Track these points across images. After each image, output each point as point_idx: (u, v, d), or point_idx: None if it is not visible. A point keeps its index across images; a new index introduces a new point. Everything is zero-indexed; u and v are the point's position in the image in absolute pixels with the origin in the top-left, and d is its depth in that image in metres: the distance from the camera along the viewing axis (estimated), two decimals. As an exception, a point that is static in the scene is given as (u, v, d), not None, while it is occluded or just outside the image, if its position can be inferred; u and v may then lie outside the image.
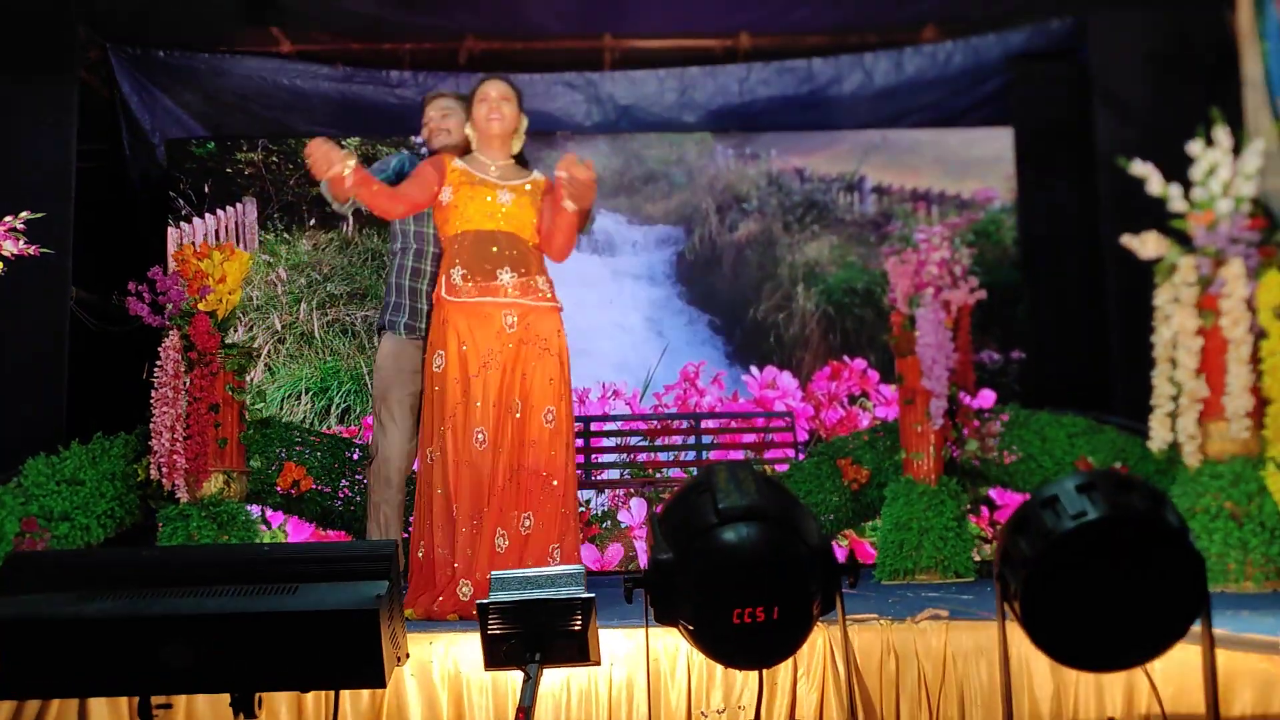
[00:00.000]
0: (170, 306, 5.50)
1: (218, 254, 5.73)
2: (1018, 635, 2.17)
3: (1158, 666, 2.09)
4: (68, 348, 5.97)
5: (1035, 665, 2.84)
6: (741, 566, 1.77)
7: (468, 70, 7.51)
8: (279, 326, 6.94)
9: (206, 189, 6.63)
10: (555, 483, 3.77)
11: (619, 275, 7.39)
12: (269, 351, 7.01)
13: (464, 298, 3.86)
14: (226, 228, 6.93)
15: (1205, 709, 1.88)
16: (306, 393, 7.05)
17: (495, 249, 3.91)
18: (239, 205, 7.11)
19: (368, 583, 1.79)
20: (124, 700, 2.57)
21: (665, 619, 1.83)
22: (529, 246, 3.99)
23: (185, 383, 5.50)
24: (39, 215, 5.06)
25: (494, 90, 4.10)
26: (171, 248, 6.73)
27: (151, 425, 5.38)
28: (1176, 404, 4.63)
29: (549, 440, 3.81)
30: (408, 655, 1.83)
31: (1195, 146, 4.62)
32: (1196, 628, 2.10)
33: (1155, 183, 4.68)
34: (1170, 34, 5.97)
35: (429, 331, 4.05)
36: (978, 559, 5.39)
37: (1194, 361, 4.54)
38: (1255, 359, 4.47)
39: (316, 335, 7.07)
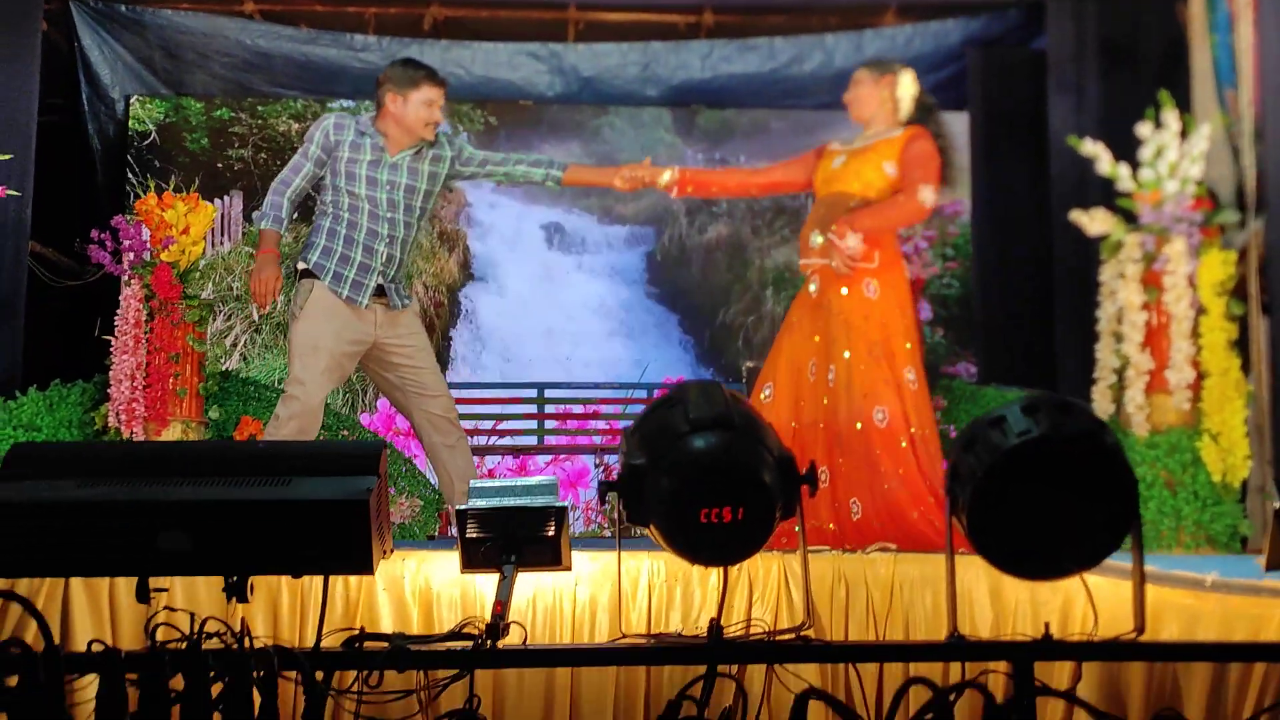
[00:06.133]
0: (132, 256, 5.53)
1: (181, 205, 5.76)
2: (960, 568, 2.30)
3: (1090, 581, 2.23)
4: (25, 294, 5.94)
5: (976, 595, 2.99)
6: (710, 470, 1.89)
7: (432, 37, 7.54)
8: (256, 317, 6.97)
9: (198, 181, 6.64)
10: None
11: (590, 274, 7.45)
12: (245, 341, 7.04)
13: None
14: (214, 220, 6.98)
15: (1134, 613, 2.02)
16: (279, 383, 7.10)
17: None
18: (227, 198, 7.14)
19: (357, 477, 1.89)
20: (104, 589, 2.65)
21: (637, 519, 1.95)
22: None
23: (146, 332, 5.53)
24: (7, 157, 5.08)
25: None
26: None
27: (111, 373, 5.41)
28: (1120, 377, 4.82)
29: None
30: (392, 549, 1.93)
31: (1144, 129, 4.80)
32: (1127, 564, 2.24)
33: (1104, 162, 4.85)
34: (1124, 24, 6.12)
35: None
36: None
37: (1139, 335, 4.73)
38: (1195, 334, 4.67)
39: (291, 326, 7.12)
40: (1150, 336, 4.72)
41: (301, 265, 4.40)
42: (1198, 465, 4.59)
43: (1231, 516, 4.59)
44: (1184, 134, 4.78)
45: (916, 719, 1.10)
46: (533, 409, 6.92)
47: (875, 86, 4.41)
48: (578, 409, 6.88)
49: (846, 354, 4.05)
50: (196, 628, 1.49)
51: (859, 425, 3.94)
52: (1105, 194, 5.06)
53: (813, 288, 4.26)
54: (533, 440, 6.86)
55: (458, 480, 4.18)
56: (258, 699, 1.56)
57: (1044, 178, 6.43)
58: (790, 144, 7.60)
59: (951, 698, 1.09)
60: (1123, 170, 4.81)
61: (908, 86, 4.40)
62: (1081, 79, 6.30)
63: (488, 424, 6.75)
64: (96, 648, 1.27)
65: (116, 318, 5.50)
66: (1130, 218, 4.83)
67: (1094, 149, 4.85)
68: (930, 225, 7.32)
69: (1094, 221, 4.81)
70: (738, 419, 1.94)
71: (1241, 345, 4.72)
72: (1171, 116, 4.76)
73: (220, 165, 7.21)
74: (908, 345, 4.17)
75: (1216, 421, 4.58)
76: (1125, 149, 4.90)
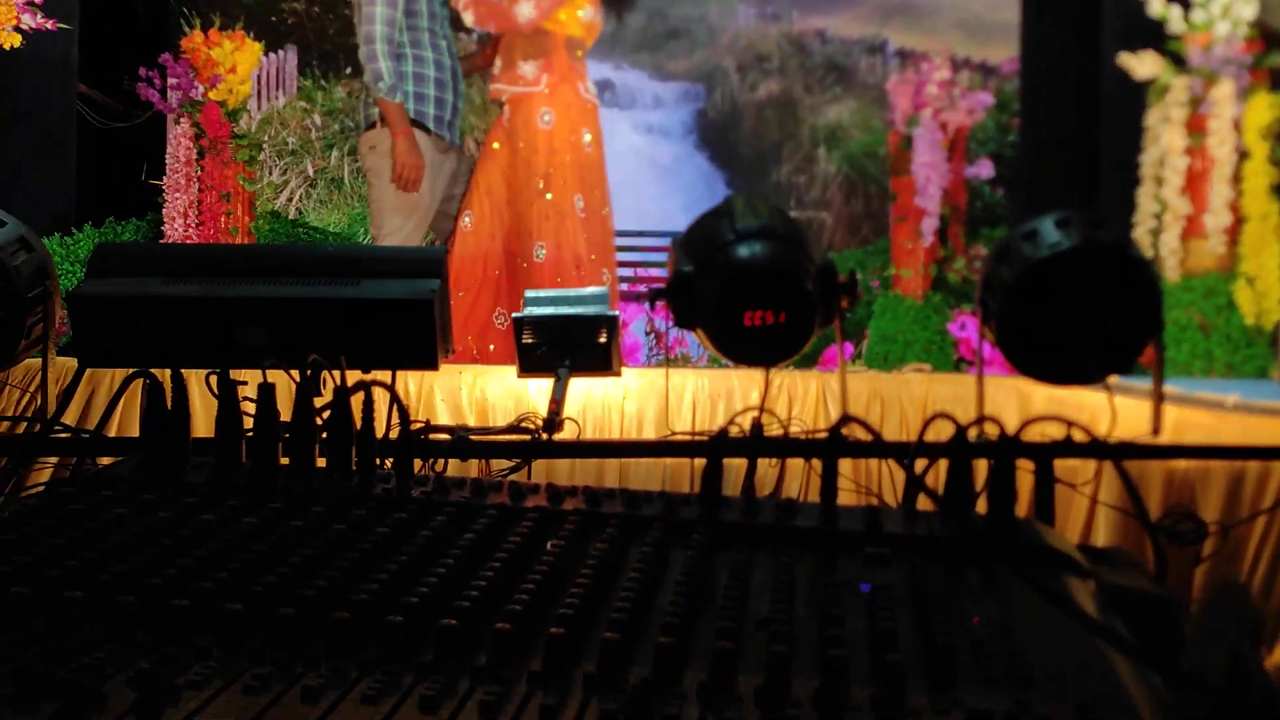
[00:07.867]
0: (180, 94, 5.60)
1: (228, 43, 5.80)
2: (990, 388, 2.40)
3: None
4: (75, 131, 6.04)
5: (1006, 414, 3.10)
6: (754, 276, 1.99)
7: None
8: (311, 172, 7.01)
9: (252, 35, 6.65)
10: None
11: (639, 129, 7.39)
12: (300, 196, 7.10)
13: None
14: (268, 73, 6.98)
15: (1151, 417, 2.13)
16: (335, 237, 7.19)
17: None
18: (281, 53, 7.12)
19: (422, 279, 2.01)
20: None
21: (684, 323, 2.06)
22: None
23: (197, 170, 5.64)
24: (57, -14, 5.12)
25: None
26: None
27: (164, 210, 5.54)
28: (1159, 221, 4.85)
29: None
30: (453, 350, 2.06)
31: (1198, -32, 4.73)
32: (1148, 384, 2.33)
33: (1156, 3, 4.79)
34: None
35: None
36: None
37: (1180, 179, 4.74)
38: (1236, 178, 4.68)
39: (346, 181, 7.14)
40: (1191, 181, 4.73)
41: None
42: (1231, 308, 4.65)
43: (1262, 359, 4.65)
44: (1239, -25, 4.71)
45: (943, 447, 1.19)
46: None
47: None
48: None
49: (518, 188, 4.30)
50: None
51: (524, 264, 4.21)
52: (1156, 40, 5.00)
53: (506, 115, 4.44)
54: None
55: None
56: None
57: (1095, 27, 6.33)
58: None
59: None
60: (1174, 11, 4.76)
61: None
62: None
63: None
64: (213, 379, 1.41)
65: (167, 156, 5.60)
66: (1179, 61, 4.80)
67: (1145, -11, 4.80)
68: (987, 81, 7.17)
69: (1142, 64, 4.78)
70: (781, 229, 2.03)
71: (1283, 190, 4.72)
72: (1227, -44, 4.68)
73: (274, 19, 7.18)
74: (579, 172, 4.33)
75: (1253, 265, 4.62)
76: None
